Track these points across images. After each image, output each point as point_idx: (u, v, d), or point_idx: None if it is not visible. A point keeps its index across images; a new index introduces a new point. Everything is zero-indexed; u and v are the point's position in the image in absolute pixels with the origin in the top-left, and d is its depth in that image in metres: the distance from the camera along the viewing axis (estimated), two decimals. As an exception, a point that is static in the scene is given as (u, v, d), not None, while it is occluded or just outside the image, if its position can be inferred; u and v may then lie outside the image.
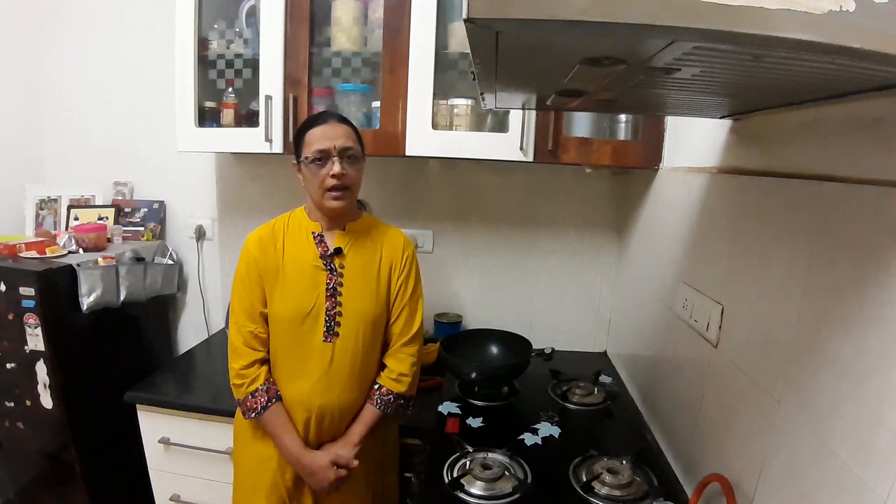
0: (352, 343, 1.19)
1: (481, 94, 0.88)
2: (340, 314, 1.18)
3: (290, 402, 1.19)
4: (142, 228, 1.98)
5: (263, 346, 1.20)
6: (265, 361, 1.20)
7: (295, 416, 1.19)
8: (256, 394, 1.17)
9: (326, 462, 1.17)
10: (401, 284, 1.25)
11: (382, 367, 1.26)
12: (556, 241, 1.90)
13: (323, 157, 1.13)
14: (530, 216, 1.89)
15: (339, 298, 1.18)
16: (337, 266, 1.20)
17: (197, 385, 1.68)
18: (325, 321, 1.17)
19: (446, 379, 1.57)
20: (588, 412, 1.43)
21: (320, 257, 1.19)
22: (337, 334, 1.18)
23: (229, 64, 1.68)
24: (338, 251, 1.20)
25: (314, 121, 1.17)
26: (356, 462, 1.18)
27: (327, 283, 1.18)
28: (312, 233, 1.21)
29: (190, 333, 2.11)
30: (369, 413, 1.22)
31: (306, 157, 1.14)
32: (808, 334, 0.75)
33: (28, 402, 1.60)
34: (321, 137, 1.13)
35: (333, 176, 1.12)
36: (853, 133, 0.70)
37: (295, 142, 1.19)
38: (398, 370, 1.23)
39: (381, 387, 1.23)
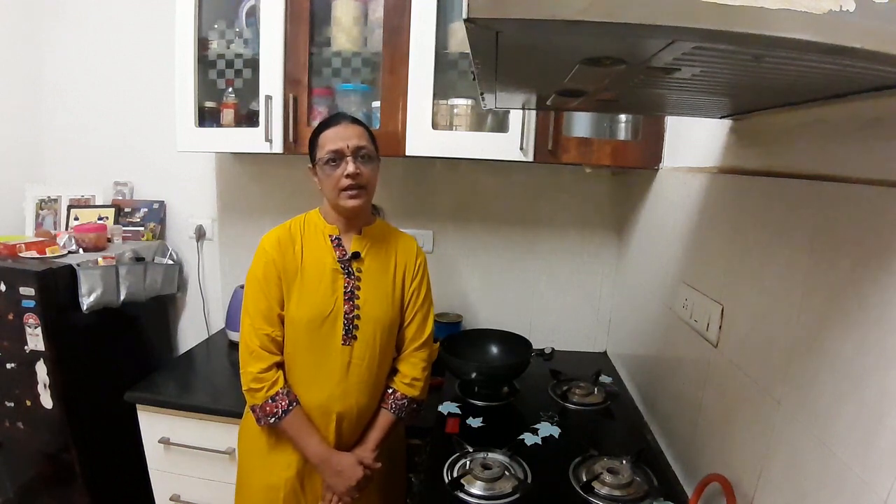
0: (369, 346, 1.19)
1: (481, 94, 0.88)
2: (358, 317, 1.18)
3: (307, 407, 1.17)
4: (142, 228, 1.98)
5: (279, 350, 1.19)
6: (281, 365, 1.19)
7: (313, 421, 1.18)
8: (277, 397, 1.15)
9: (353, 460, 1.17)
10: (414, 290, 1.25)
11: (393, 371, 1.26)
12: (556, 241, 1.90)
13: (337, 157, 1.13)
14: (530, 216, 1.89)
15: (356, 302, 1.18)
16: (354, 270, 1.20)
17: (197, 385, 1.68)
18: (344, 324, 1.17)
19: (446, 379, 1.57)
20: (588, 412, 1.43)
21: (338, 261, 1.19)
22: (355, 337, 1.17)
23: (229, 64, 1.68)
24: (355, 255, 1.20)
25: (327, 123, 1.18)
26: (378, 464, 1.20)
27: (345, 287, 1.18)
28: (330, 236, 1.21)
29: (190, 333, 2.11)
30: (384, 418, 1.23)
31: (321, 159, 1.15)
32: (808, 334, 0.75)
33: (28, 402, 1.60)
34: (335, 138, 1.13)
35: (348, 175, 1.12)
36: (853, 133, 0.70)
37: (309, 145, 1.20)
38: (411, 375, 1.24)
39: (395, 391, 1.23)
